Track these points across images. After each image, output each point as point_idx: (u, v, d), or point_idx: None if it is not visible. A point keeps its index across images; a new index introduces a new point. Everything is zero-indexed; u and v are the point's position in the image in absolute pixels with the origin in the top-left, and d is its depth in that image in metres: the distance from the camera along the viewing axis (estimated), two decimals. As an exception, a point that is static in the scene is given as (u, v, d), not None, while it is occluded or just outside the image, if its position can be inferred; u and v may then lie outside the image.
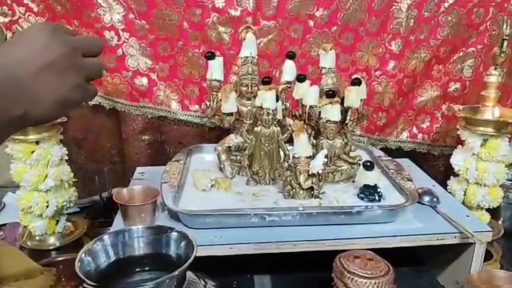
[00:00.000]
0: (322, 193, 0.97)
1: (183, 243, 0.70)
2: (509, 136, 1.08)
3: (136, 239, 0.72)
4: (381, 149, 1.31)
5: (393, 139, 1.35)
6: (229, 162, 1.08)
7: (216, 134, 1.30)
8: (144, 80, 1.24)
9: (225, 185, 1.00)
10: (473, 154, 1.08)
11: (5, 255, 0.77)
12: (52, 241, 1.10)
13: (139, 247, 0.72)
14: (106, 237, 0.70)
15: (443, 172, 1.37)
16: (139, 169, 1.19)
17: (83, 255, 0.66)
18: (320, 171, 0.93)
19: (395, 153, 1.34)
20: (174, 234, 0.73)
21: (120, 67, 1.21)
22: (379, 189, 0.95)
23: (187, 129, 1.31)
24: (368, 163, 0.94)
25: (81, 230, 1.15)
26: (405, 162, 1.24)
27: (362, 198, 0.95)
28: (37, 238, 1.10)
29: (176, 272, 0.60)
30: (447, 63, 1.28)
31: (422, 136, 1.35)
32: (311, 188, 0.94)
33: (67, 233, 1.13)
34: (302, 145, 0.95)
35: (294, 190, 0.95)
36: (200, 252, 0.79)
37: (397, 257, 0.83)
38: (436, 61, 1.27)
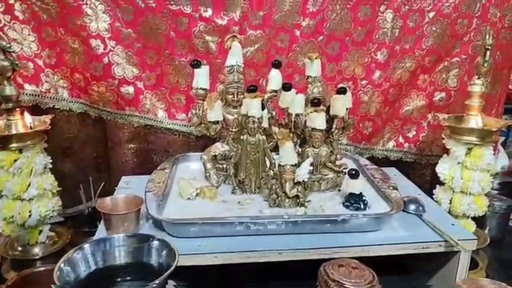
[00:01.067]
0: (308, 201, 0.97)
1: (164, 252, 0.69)
2: (494, 145, 1.09)
3: (117, 248, 0.71)
4: (368, 158, 1.32)
5: (379, 148, 1.36)
6: (215, 171, 1.07)
7: (203, 143, 1.29)
8: (131, 89, 1.23)
9: (210, 194, 0.99)
10: (458, 163, 1.09)
11: None
12: (35, 251, 1.09)
13: (120, 256, 0.71)
14: (86, 246, 0.69)
15: (429, 181, 1.37)
16: (124, 178, 1.17)
17: (62, 265, 0.64)
18: (306, 179, 0.93)
19: (381, 162, 1.35)
20: (155, 243, 0.72)
21: (106, 76, 1.21)
22: (364, 198, 0.95)
23: (174, 138, 1.30)
24: (353, 172, 0.94)
25: (64, 239, 1.13)
26: (392, 171, 1.25)
27: (347, 207, 0.95)
28: (20, 248, 1.08)
29: (156, 281, 0.60)
30: (432, 72, 1.29)
31: (409, 145, 1.36)
32: (297, 197, 0.94)
33: (50, 243, 1.12)
34: (287, 154, 0.94)
35: (279, 198, 0.94)
36: (184, 261, 0.79)
37: (383, 265, 0.82)
38: (421, 71, 1.29)
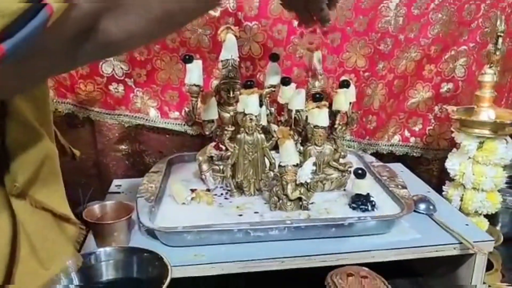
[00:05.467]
0: (311, 203, 0.90)
1: (156, 266, 0.63)
2: (506, 138, 1.03)
3: (104, 263, 0.65)
4: (372, 154, 1.25)
5: (384, 143, 1.29)
6: (211, 173, 1.00)
7: (199, 141, 1.22)
8: (120, 87, 1.16)
9: (207, 198, 0.92)
10: (469, 158, 1.03)
11: None
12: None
13: (108, 272, 0.65)
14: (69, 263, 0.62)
15: (437, 177, 1.31)
16: (115, 182, 1.11)
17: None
18: (309, 180, 0.87)
19: (386, 157, 1.29)
20: (146, 256, 0.66)
21: (93, 73, 1.13)
22: (372, 198, 0.89)
23: (168, 137, 1.23)
24: (360, 171, 0.88)
25: (53, 249, 1.07)
26: (398, 167, 1.19)
27: (354, 208, 0.89)
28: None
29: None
30: (438, 62, 1.22)
31: (415, 140, 1.29)
32: (299, 199, 0.88)
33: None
34: (288, 153, 0.88)
35: (281, 201, 0.88)
36: (179, 272, 0.73)
37: (391, 268, 0.77)
38: (427, 61, 1.22)
